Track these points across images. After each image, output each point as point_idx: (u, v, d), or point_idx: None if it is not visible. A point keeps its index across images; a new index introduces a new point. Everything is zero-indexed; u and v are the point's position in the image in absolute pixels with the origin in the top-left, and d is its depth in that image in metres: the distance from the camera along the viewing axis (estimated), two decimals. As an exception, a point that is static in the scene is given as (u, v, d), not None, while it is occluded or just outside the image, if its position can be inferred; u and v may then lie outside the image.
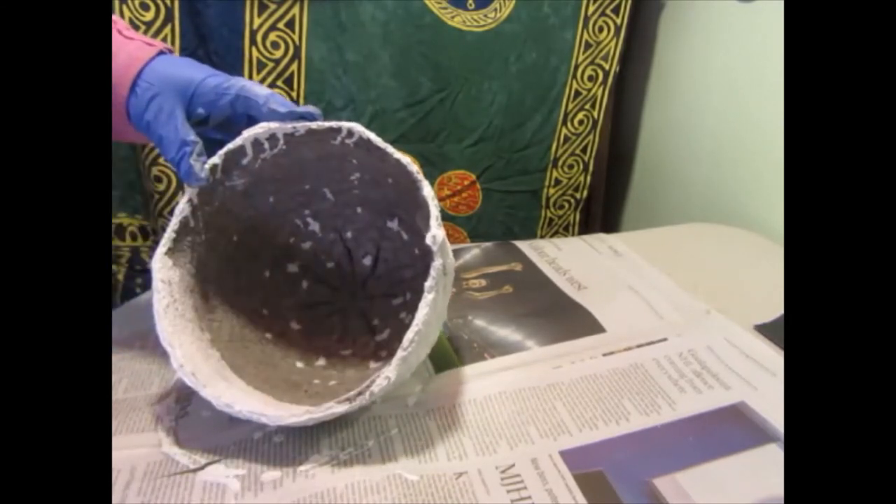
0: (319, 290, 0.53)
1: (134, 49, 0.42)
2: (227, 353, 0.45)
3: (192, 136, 0.42)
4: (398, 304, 0.52)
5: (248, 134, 0.42)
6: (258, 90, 0.43)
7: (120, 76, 0.42)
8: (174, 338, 0.41)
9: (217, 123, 0.44)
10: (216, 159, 0.43)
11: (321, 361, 0.49)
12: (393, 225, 0.51)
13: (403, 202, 0.47)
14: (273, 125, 0.42)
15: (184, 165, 0.41)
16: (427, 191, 0.40)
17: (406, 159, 0.41)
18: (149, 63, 0.42)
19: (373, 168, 0.46)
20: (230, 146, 0.43)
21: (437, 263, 0.39)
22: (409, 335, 0.38)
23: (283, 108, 0.42)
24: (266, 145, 0.43)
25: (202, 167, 0.42)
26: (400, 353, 0.38)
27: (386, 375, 0.38)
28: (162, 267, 0.42)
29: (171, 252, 0.43)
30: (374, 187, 0.49)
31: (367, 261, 0.53)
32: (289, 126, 0.42)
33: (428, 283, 0.38)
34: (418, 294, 0.39)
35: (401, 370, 0.39)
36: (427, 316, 0.38)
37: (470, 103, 0.85)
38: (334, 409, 0.38)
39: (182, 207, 0.43)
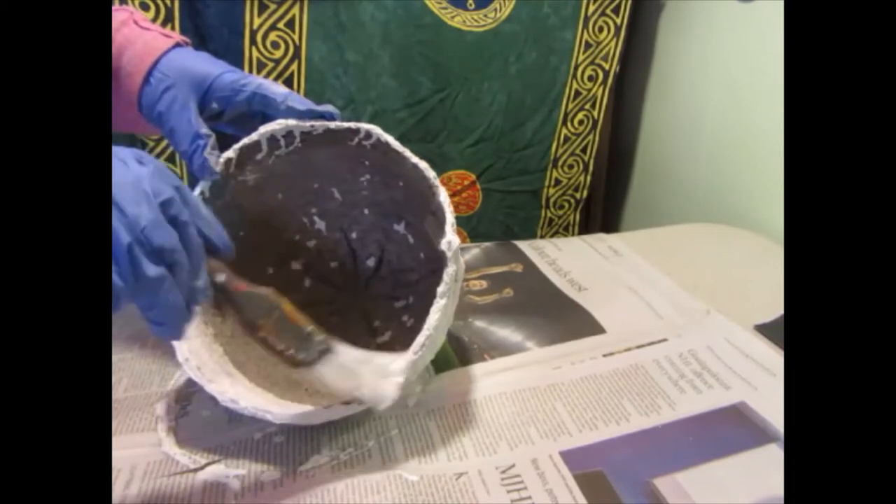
0: (322, 289, 0.53)
1: (151, 39, 0.42)
2: (229, 348, 0.45)
3: (206, 130, 0.41)
4: (401, 306, 0.52)
5: (264, 129, 0.42)
6: (276, 89, 0.42)
7: (135, 65, 0.41)
8: None
9: (230, 119, 0.44)
10: (231, 153, 0.43)
11: None
12: (399, 228, 0.51)
13: (412, 206, 0.47)
14: (291, 122, 0.42)
15: (197, 159, 0.41)
16: (443, 197, 0.40)
17: (423, 164, 0.41)
18: (165, 54, 0.42)
19: (384, 170, 0.46)
20: (246, 141, 0.43)
21: (450, 269, 0.39)
22: (419, 339, 0.38)
23: (302, 107, 0.42)
24: (282, 142, 0.43)
25: (217, 161, 0.42)
26: (411, 357, 0.38)
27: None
28: None
29: None
30: (383, 189, 0.49)
31: (371, 262, 0.53)
32: (307, 124, 0.42)
33: (441, 289, 0.38)
34: (422, 298, 0.39)
35: (408, 374, 0.39)
36: (438, 321, 0.38)
37: (470, 103, 0.85)
38: (340, 410, 0.38)
39: None
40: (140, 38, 0.42)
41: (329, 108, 0.43)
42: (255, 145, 0.43)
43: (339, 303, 0.53)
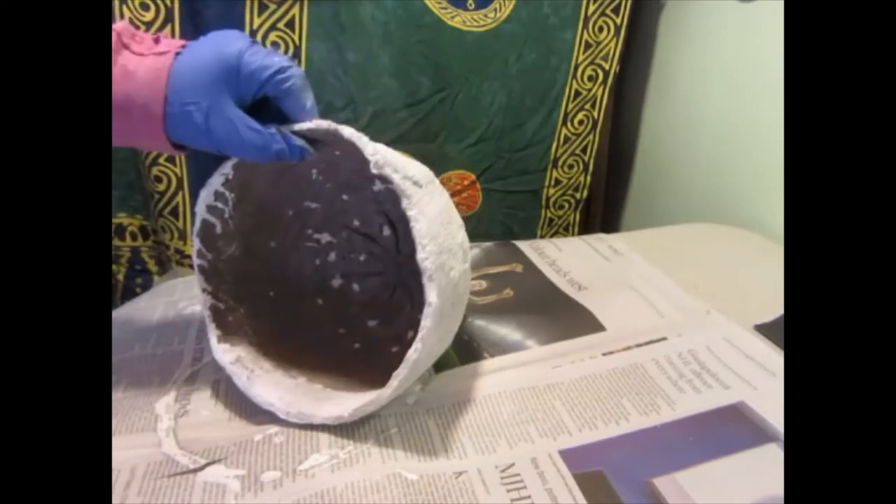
0: (373, 261, 0.54)
1: (150, 63, 0.38)
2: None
3: (265, 127, 0.38)
4: None
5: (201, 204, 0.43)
6: (305, 100, 0.39)
7: (146, 96, 0.37)
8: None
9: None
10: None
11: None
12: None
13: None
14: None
15: (285, 152, 0.39)
16: (374, 155, 0.38)
17: (355, 133, 0.39)
18: (170, 76, 0.37)
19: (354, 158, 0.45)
20: (197, 225, 0.44)
21: (432, 300, 0.38)
22: (417, 343, 0.38)
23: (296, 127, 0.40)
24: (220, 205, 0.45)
25: (303, 141, 0.39)
26: (392, 382, 0.39)
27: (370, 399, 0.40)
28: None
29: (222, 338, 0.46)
30: (362, 177, 0.50)
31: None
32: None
33: (421, 334, 0.38)
34: None
35: (393, 391, 0.40)
36: (419, 353, 0.38)
37: (470, 103, 0.85)
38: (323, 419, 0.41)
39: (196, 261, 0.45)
40: (140, 64, 0.38)
41: (308, 148, 0.40)
42: (207, 224, 0.45)
43: (389, 275, 0.54)
